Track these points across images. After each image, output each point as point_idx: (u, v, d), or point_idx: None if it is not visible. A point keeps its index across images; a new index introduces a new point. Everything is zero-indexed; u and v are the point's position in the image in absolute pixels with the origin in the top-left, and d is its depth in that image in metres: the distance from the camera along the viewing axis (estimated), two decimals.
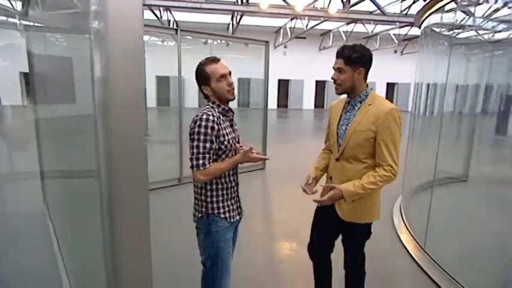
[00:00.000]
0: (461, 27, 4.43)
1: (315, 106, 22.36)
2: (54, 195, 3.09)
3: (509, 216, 3.41)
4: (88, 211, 1.61)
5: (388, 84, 22.67)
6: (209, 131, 1.66)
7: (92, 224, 1.32)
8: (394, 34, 16.66)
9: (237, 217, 1.89)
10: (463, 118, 5.88)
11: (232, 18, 15.26)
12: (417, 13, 4.06)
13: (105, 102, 0.86)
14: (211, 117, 1.67)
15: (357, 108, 1.89)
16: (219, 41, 6.73)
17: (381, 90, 21.99)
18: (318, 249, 2.10)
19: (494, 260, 2.77)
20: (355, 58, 1.79)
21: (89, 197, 1.43)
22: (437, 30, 4.24)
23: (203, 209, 1.79)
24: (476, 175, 5.42)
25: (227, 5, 11.79)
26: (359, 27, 15.56)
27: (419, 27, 4.21)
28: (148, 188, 1.07)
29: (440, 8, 3.44)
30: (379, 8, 11.46)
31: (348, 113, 1.93)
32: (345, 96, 1.96)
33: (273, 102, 20.90)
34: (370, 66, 1.86)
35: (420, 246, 3.12)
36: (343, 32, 16.97)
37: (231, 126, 1.85)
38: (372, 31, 15.90)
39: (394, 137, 1.77)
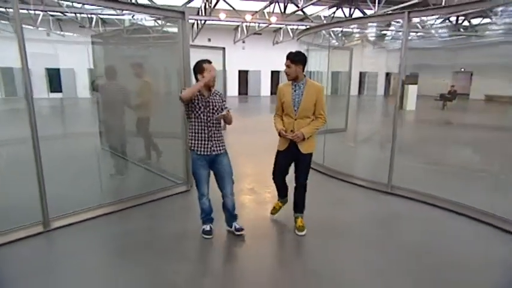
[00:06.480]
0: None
1: (271, 93, 24.75)
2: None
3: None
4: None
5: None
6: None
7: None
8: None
9: (207, 152, 2.70)
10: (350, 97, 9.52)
11: (196, 21, 18.14)
12: (298, 34, 7.23)
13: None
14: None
15: (302, 88, 2.85)
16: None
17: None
18: (279, 174, 3.16)
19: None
20: (296, 59, 2.77)
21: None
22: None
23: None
24: (349, 128, 9.21)
25: (192, 16, 14.73)
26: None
27: (297, 40, 7.32)
28: None
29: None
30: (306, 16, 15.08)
31: (296, 91, 2.87)
32: (289, 81, 2.92)
33: (234, 90, 23.55)
34: (305, 63, 2.82)
35: None
36: (291, 29, 20.45)
37: (207, 99, 2.73)
38: None
39: (323, 100, 2.90)
